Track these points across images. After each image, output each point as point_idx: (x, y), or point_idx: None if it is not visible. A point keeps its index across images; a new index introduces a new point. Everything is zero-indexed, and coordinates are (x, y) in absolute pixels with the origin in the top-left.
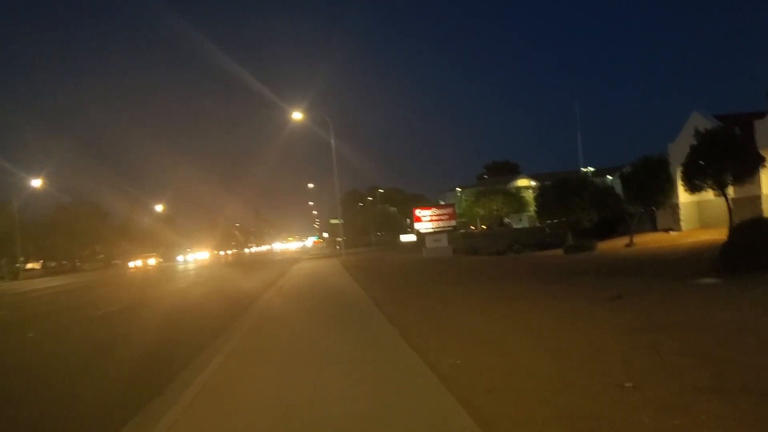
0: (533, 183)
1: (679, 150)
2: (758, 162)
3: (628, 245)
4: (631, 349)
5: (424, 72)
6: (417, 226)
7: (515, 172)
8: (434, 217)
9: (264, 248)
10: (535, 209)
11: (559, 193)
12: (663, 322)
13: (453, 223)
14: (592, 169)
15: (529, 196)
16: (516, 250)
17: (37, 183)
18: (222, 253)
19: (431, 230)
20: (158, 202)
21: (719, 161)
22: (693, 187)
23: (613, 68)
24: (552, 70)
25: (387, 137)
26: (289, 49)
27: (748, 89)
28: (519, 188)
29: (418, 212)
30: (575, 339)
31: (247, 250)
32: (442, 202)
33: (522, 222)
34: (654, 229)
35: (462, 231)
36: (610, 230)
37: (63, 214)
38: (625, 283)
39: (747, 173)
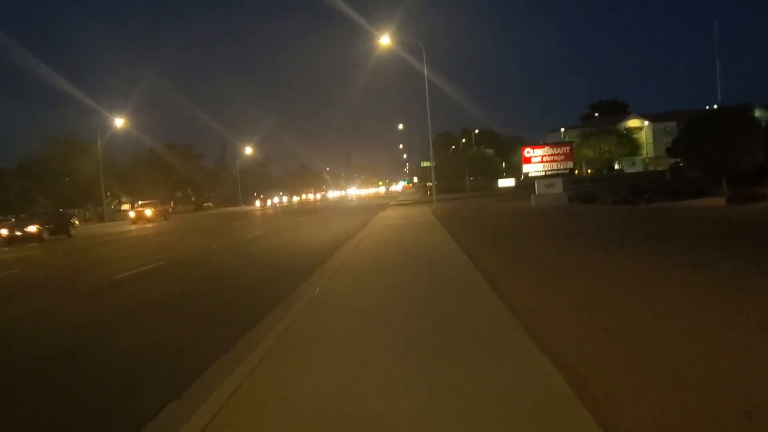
0: (646, 123)
1: None
2: None
3: None
4: None
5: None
6: (526, 168)
7: (624, 112)
8: (547, 158)
9: (336, 194)
10: (683, 147)
11: (716, 128)
12: None
13: (570, 165)
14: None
15: (642, 137)
16: (647, 198)
17: (119, 123)
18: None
19: (543, 173)
20: (246, 146)
21: None
22: None
23: None
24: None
25: (480, 75)
26: None
27: None
28: (630, 129)
29: (527, 152)
30: None
31: (298, 198)
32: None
33: (635, 166)
34: None
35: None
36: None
37: (154, 157)
38: None
39: None
